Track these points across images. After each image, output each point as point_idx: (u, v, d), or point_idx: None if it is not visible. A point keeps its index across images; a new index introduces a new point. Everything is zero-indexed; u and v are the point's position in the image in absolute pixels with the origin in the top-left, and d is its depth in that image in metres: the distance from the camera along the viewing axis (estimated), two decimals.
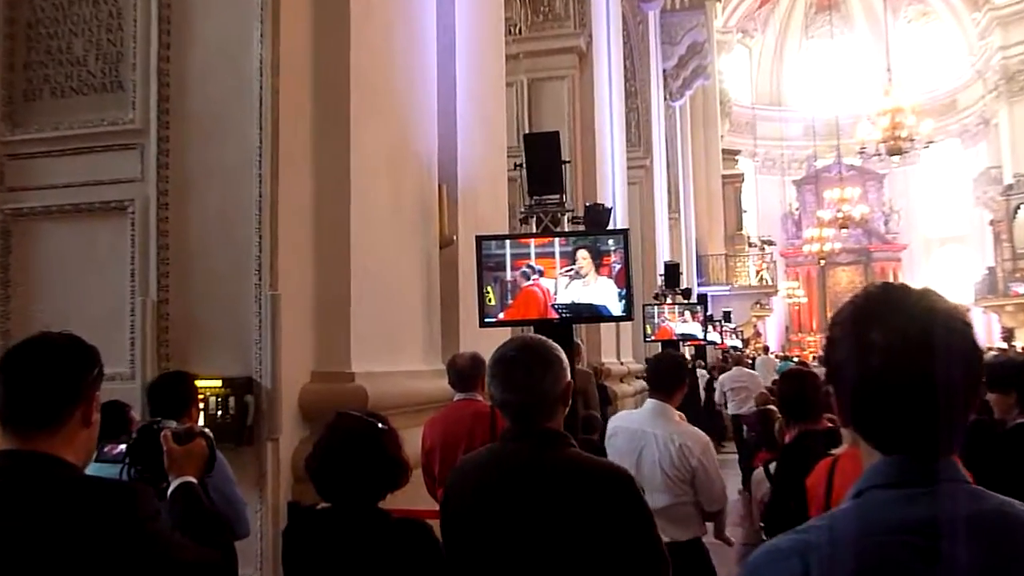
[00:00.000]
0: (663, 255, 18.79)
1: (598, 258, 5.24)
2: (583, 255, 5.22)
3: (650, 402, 4.05)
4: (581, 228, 6.72)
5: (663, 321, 12.32)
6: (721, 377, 13.35)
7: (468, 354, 4.58)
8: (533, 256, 5.33)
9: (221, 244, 4.16)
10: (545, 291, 5.29)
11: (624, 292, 5.20)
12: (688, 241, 25.38)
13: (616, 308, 5.25)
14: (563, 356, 2.22)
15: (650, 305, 12.74)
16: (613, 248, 5.25)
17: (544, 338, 2.27)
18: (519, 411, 2.17)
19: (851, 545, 1.11)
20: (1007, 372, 4.08)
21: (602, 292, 5.23)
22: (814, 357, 27.15)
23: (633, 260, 5.60)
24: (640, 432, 3.99)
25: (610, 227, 7.56)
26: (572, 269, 5.20)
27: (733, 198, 31.59)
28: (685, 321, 12.42)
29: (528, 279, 5.31)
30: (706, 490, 3.93)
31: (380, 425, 2.30)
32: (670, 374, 4.08)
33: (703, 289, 25.07)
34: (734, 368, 13.24)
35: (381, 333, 4.80)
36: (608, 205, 8.21)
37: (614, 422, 4.20)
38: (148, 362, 4.14)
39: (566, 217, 6.52)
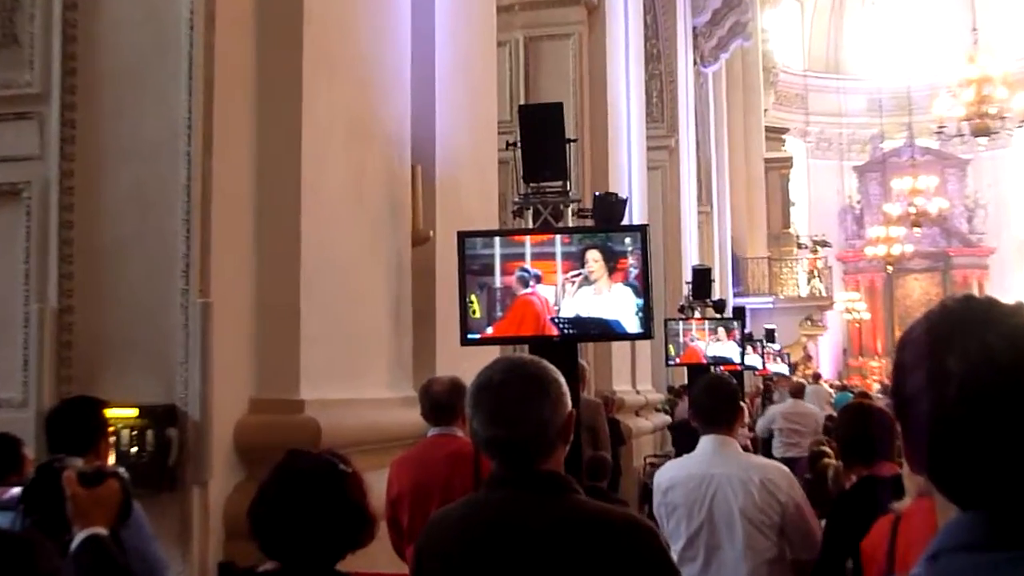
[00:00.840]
0: (691, 258, 18.88)
1: (612, 260, 5.27)
2: (594, 256, 5.24)
3: (708, 439, 4.07)
4: (589, 223, 6.74)
5: (690, 340, 12.33)
6: (771, 410, 13.31)
7: (446, 379, 4.57)
8: (528, 257, 5.35)
9: (139, 239, 4.13)
10: (544, 301, 5.33)
11: (643, 303, 5.23)
12: (722, 241, 25.53)
13: (632, 324, 5.28)
14: (562, 380, 2.23)
15: (674, 320, 12.74)
16: (630, 248, 5.27)
17: (538, 358, 2.28)
18: (510, 449, 2.15)
19: None
20: None
21: (617, 303, 5.26)
22: (879, 387, 27.24)
23: (653, 264, 5.70)
24: (707, 477, 3.99)
25: (625, 222, 7.62)
26: (580, 273, 5.24)
27: (779, 187, 31.74)
28: (718, 340, 12.44)
29: (526, 285, 5.34)
30: (801, 532, 3.95)
31: (342, 467, 2.29)
32: (727, 402, 4.11)
33: (740, 301, 25.21)
34: (789, 401, 13.18)
35: (338, 352, 4.81)
36: (623, 195, 8.22)
37: (665, 473, 4.21)
38: (45, 385, 4.13)
39: (570, 209, 6.46)
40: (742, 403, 4.35)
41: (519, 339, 5.45)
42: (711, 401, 4.11)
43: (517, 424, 2.14)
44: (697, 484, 3.99)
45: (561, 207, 6.44)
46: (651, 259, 5.36)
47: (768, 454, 12.30)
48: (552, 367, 2.23)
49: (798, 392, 13.58)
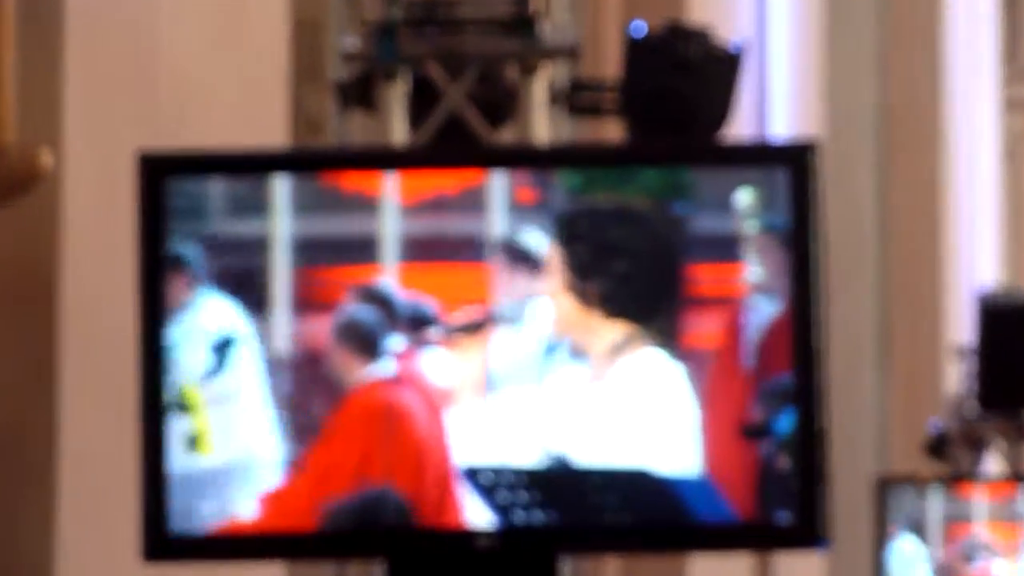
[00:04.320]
0: (971, 258, 9.96)
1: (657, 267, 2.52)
2: (554, 252, 2.56)
3: None
4: (612, 136, 3.59)
5: (970, 557, 6.31)
6: None
7: None
8: (395, 245, 2.49)
9: None
10: (434, 399, 2.42)
11: (795, 420, 2.31)
12: None
13: (739, 492, 2.21)
14: None
15: (910, 487, 6.93)
16: (758, 229, 2.47)
17: None
18: None
19: None
20: None
21: (657, 410, 2.34)
22: None
23: (830, 284, 2.40)
24: None
25: (724, 133, 3.69)
26: (482, 324, 2.43)
27: None
28: None
29: (374, 350, 2.43)
30: None
31: None
32: None
33: None
34: None
35: None
36: (732, 32, 4.34)
37: None
38: None
39: (543, 80, 3.20)
40: None
41: (354, 542, 2.46)
42: None
43: None
44: None
45: (519, 72, 3.22)
46: (818, 263, 2.18)
47: None
48: None
49: None
